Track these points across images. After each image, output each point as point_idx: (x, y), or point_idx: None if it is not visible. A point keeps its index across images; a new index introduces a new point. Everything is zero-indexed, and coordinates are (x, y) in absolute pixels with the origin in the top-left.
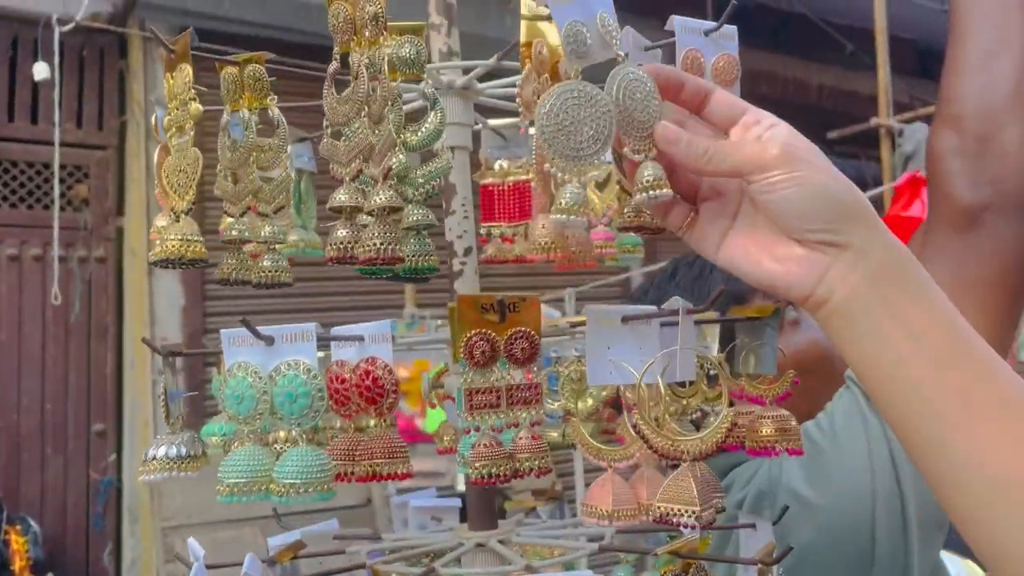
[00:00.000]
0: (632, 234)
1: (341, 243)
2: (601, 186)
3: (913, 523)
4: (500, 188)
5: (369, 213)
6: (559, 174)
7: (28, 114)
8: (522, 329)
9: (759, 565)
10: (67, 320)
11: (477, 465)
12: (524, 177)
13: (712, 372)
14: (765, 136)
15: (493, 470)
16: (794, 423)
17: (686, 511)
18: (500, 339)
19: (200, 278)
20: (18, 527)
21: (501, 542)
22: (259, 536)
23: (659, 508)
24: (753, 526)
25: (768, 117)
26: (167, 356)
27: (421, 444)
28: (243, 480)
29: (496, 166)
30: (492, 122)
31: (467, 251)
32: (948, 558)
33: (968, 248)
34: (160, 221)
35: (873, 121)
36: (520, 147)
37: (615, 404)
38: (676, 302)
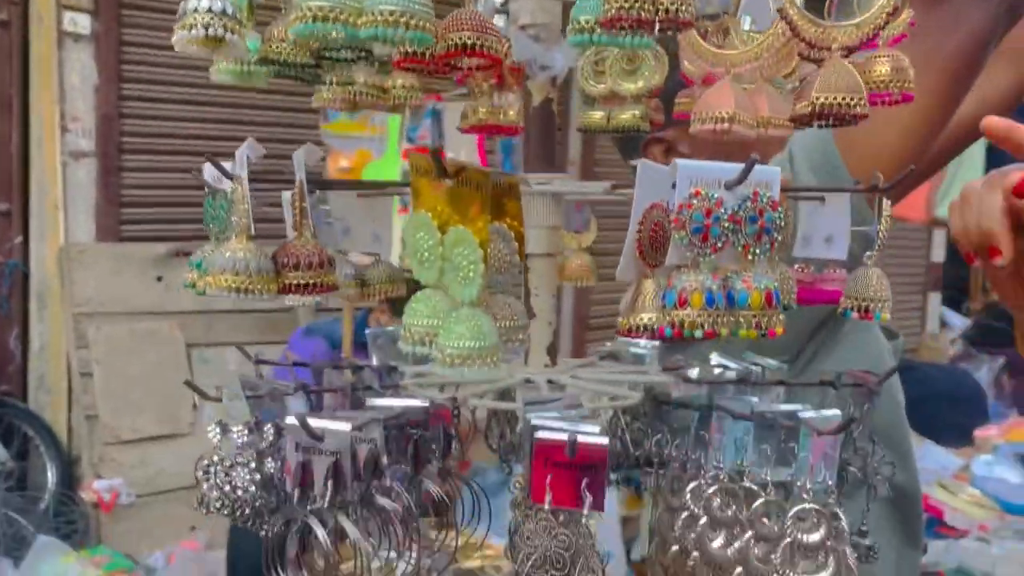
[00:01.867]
0: None
1: None
2: None
3: None
4: None
5: None
6: None
7: None
8: None
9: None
10: None
11: None
12: None
13: None
14: None
15: None
16: (907, 63)
17: (852, 99)
18: None
19: (116, 56)
20: None
21: None
22: (176, 329)
23: (818, 100)
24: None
25: None
26: None
27: None
28: None
29: None
30: None
31: None
32: None
33: (931, 23)
34: None
35: None
36: None
37: (661, 95)
38: None
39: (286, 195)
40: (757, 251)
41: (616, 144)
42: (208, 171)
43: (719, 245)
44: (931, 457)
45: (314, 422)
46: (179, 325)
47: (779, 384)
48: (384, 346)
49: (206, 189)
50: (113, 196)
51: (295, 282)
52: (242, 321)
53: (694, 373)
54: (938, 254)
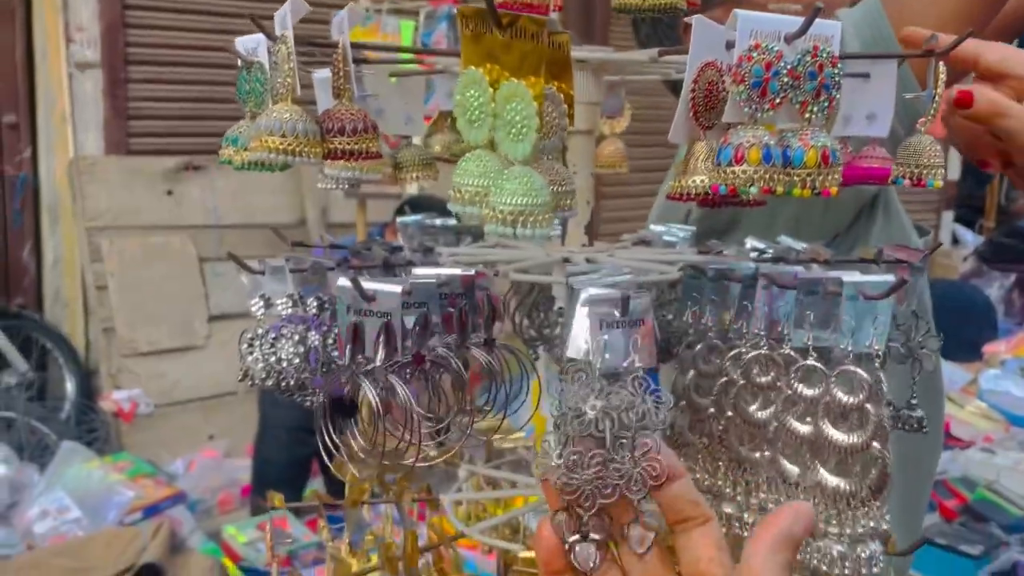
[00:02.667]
0: None
1: None
2: None
3: None
4: None
5: None
6: None
7: None
8: None
9: None
10: None
11: None
12: None
13: None
14: None
15: None
16: None
17: None
18: None
19: None
20: None
21: None
22: (188, 243)
23: None
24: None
25: None
26: None
27: None
28: None
29: None
30: None
31: None
32: None
33: None
34: None
35: None
36: None
37: None
38: None
39: (319, 74)
40: (815, 109)
41: (637, 34)
42: (241, 43)
43: (777, 101)
44: None
45: (366, 284)
46: (191, 239)
47: (823, 262)
48: (415, 235)
49: (240, 63)
50: (120, 108)
51: (340, 147)
52: (253, 235)
53: (731, 252)
54: (953, 171)
